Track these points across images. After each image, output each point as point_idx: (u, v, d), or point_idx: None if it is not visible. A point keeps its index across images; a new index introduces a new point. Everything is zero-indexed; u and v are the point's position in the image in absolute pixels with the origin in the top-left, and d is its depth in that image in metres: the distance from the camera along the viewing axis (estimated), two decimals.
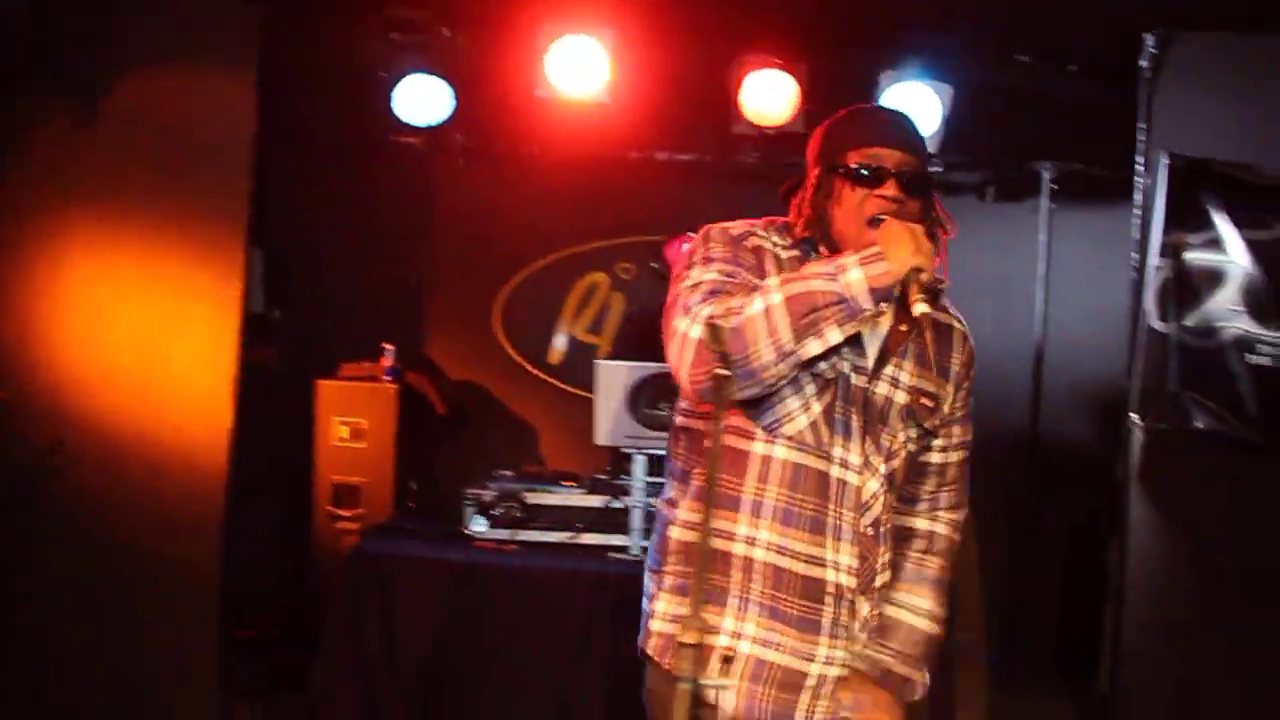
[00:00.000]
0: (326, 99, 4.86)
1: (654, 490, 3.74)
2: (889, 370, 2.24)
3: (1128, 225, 4.38)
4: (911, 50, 4.45)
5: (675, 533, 2.25)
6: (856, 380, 2.20)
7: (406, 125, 4.62)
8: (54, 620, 4.14)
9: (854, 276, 2.04)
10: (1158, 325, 4.25)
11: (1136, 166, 4.29)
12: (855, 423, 2.19)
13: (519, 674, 3.51)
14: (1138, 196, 4.30)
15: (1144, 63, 4.24)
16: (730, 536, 2.18)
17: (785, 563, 2.16)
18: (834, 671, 2.21)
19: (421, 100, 4.54)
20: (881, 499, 2.22)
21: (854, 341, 2.16)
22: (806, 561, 2.17)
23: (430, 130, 4.68)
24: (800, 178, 2.32)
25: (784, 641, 2.17)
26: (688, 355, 2.08)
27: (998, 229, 5.07)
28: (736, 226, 2.28)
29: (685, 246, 4.54)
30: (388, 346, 4.69)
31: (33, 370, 4.18)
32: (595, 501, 3.79)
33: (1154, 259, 4.24)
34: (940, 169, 4.76)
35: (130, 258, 4.21)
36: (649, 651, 2.24)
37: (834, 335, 2.05)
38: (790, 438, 2.17)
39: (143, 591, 4.16)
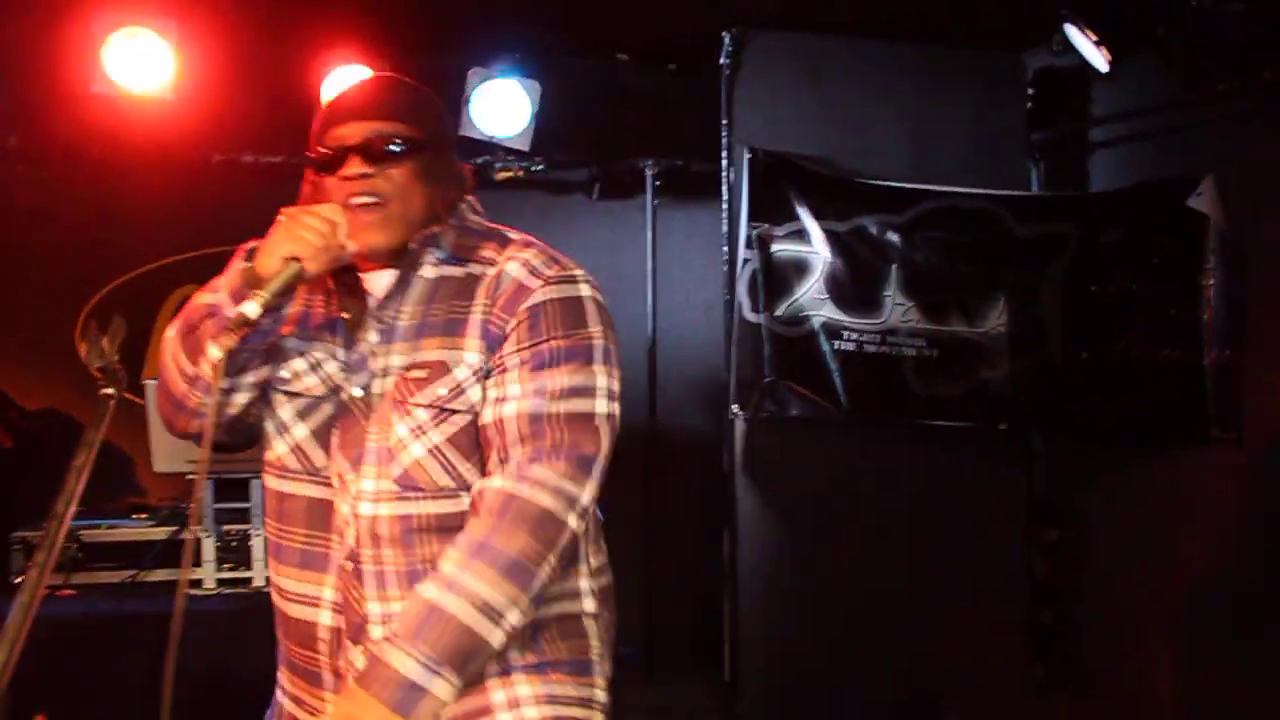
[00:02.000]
0: None
1: (225, 517, 3.49)
2: (378, 362, 1.86)
3: None
4: (502, 46, 4.37)
5: None
6: (346, 385, 1.89)
7: None
8: None
9: (224, 280, 1.85)
10: (751, 316, 4.37)
11: (722, 161, 4.39)
12: (335, 436, 1.89)
13: None
14: (725, 190, 4.40)
15: (723, 60, 4.35)
16: (269, 581, 2.00)
17: (282, 604, 1.94)
18: None
19: None
20: (354, 524, 1.83)
21: (343, 340, 1.90)
22: (298, 602, 1.91)
23: None
24: None
25: (304, 698, 1.94)
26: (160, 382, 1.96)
27: (606, 226, 5.09)
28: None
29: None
30: None
31: None
32: (161, 534, 3.48)
33: (742, 251, 4.36)
34: (542, 166, 4.73)
35: None
36: None
37: (212, 351, 1.79)
38: (272, 464, 1.95)
39: None
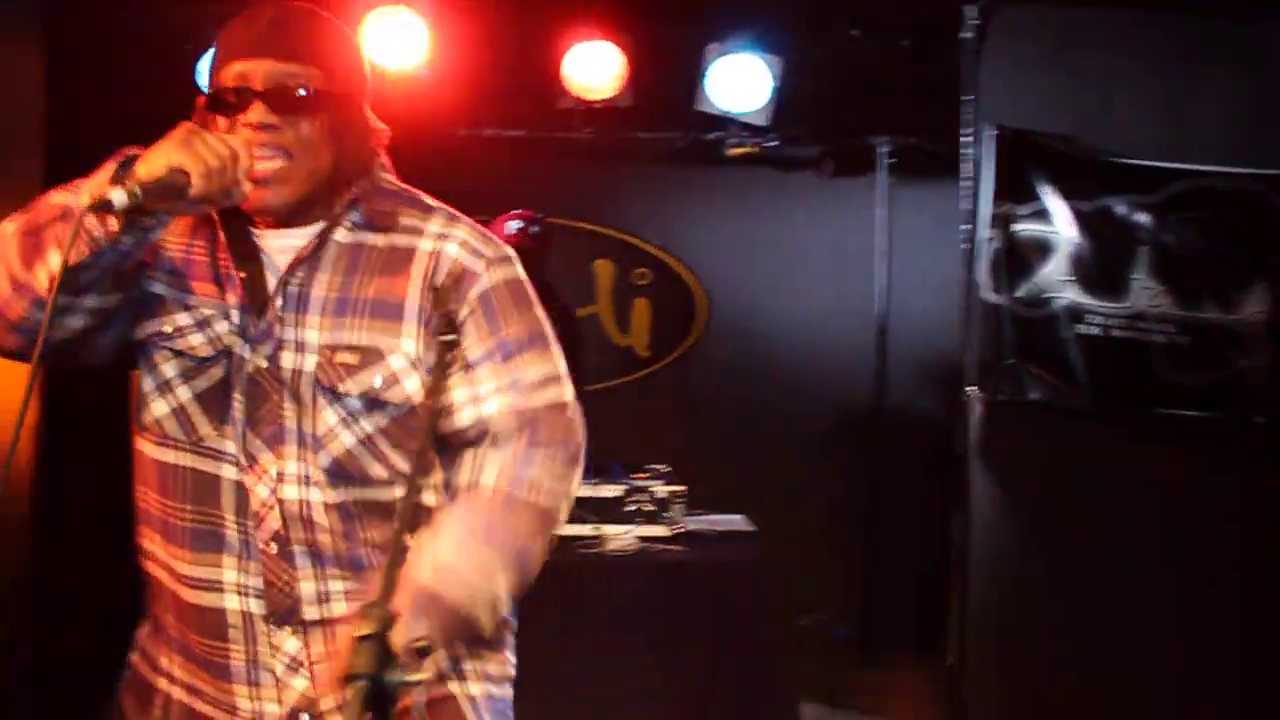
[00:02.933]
0: (135, 75, 4.58)
1: None
2: (288, 332, 1.68)
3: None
4: (740, 21, 4.37)
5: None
6: (244, 352, 1.69)
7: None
8: None
9: (89, 182, 1.56)
10: (991, 297, 4.26)
11: (963, 139, 4.28)
12: (238, 408, 1.68)
13: None
14: (966, 168, 4.29)
15: (967, 34, 4.24)
16: (146, 555, 1.77)
17: (178, 589, 1.72)
18: None
19: None
20: (278, 509, 1.67)
21: (238, 302, 1.69)
22: (195, 587, 1.70)
23: None
24: None
25: (204, 689, 1.74)
26: None
27: (836, 204, 5.04)
28: None
29: (513, 224, 4.45)
30: None
31: None
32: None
33: (984, 231, 4.25)
34: (775, 143, 4.71)
35: None
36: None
37: (54, 257, 1.53)
38: (148, 428, 1.72)
39: None
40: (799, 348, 5.16)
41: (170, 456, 1.70)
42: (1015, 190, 4.22)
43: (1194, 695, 4.29)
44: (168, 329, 1.69)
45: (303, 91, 1.63)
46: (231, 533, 1.68)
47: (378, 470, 1.69)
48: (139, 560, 1.78)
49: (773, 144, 4.73)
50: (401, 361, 1.68)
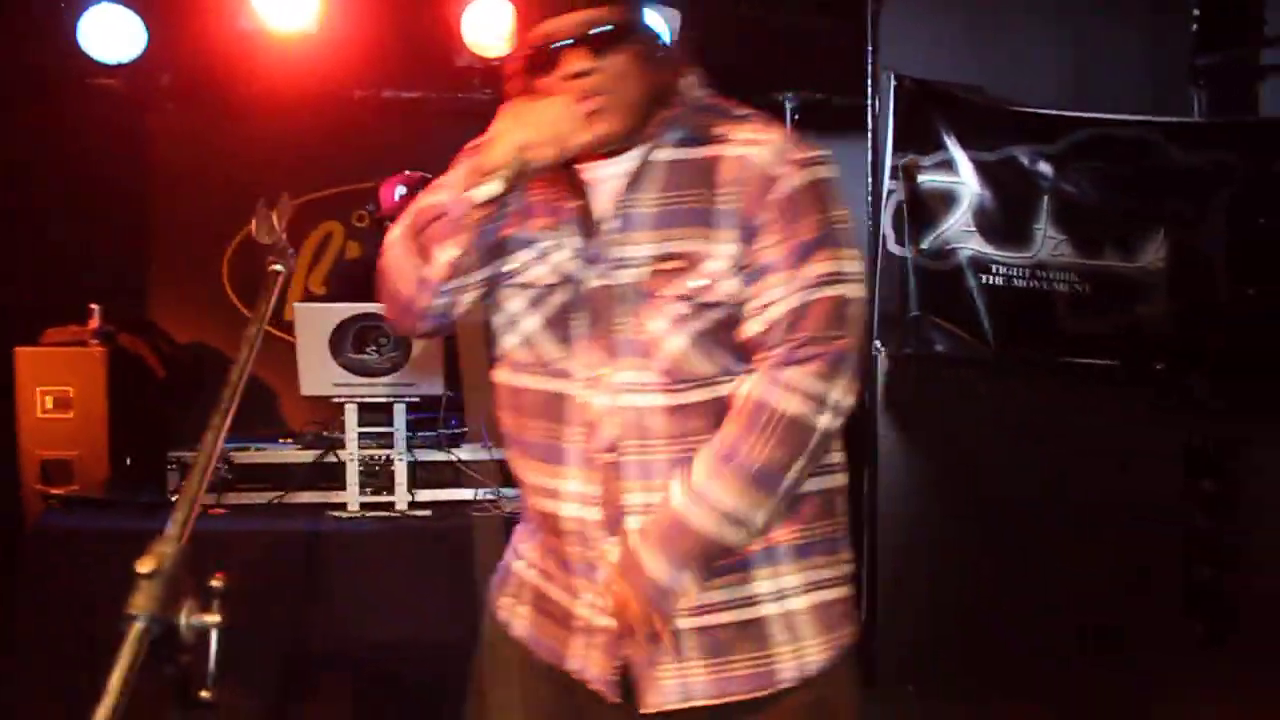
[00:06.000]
0: (13, 29, 4.39)
1: (370, 441, 3.53)
2: (615, 250, 1.82)
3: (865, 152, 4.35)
4: None
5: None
6: (586, 275, 1.83)
7: (99, 64, 4.23)
8: None
9: (449, 178, 1.82)
10: (895, 249, 4.25)
11: (866, 90, 4.26)
12: (581, 327, 1.84)
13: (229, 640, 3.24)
14: (870, 120, 4.27)
15: None
16: (513, 469, 2.01)
17: (532, 499, 1.93)
18: (603, 620, 1.85)
19: (111, 34, 4.15)
20: (619, 417, 1.79)
21: (575, 230, 1.85)
22: (546, 495, 1.89)
23: (129, 70, 4.29)
24: None
25: (556, 574, 1.93)
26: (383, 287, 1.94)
27: None
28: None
29: (400, 188, 4.36)
30: (94, 307, 4.29)
31: None
32: (308, 457, 3.54)
33: (887, 183, 4.23)
34: None
35: None
36: None
37: (444, 253, 1.80)
38: (505, 359, 1.93)
39: None
40: None
41: (521, 381, 1.89)
42: (918, 141, 4.21)
43: (1097, 632, 4.34)
44: (513, 266, 1.86)
45: (609, 29, 1.74)
46: (572, 445, 1.83)
47: (709, 368, 1.79)
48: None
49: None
50: (721, 264, 1.77)
